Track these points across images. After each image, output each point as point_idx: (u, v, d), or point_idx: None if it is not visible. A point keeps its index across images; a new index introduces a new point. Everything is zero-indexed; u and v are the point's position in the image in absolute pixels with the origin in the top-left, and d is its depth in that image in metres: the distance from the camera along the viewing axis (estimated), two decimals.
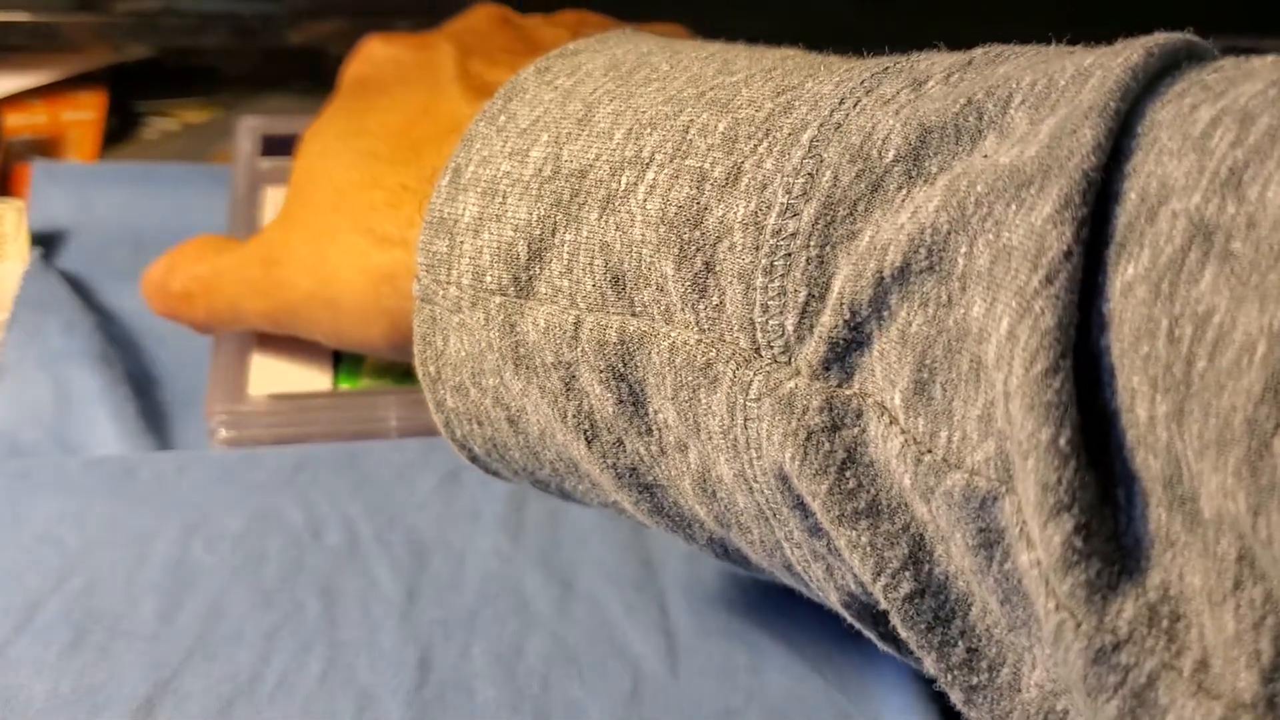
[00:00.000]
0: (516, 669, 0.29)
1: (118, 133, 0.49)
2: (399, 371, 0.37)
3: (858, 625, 0.23)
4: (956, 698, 0.21)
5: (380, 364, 0.37)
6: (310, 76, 0.51)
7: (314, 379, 0.36)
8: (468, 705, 0.28)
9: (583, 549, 0.33)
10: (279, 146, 0.43)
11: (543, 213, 0.25)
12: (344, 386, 0.37)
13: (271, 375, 0.36)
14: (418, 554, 0.32)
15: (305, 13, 0.49)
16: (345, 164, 0.30)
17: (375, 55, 0.35)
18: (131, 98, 0.51)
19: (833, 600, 0.23)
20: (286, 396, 0.36)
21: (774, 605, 0.31)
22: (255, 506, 0.33)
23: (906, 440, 0.19)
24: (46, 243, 0.41)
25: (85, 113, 0.49)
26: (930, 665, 0.21)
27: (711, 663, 0.30)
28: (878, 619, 0.22)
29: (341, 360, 0.37)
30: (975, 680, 0.20)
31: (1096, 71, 0.18)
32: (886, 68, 0.22)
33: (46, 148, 0.47)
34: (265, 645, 0.29)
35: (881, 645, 0.23)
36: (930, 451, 0.19)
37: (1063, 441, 0.16)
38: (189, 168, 0.46)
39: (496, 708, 0.28)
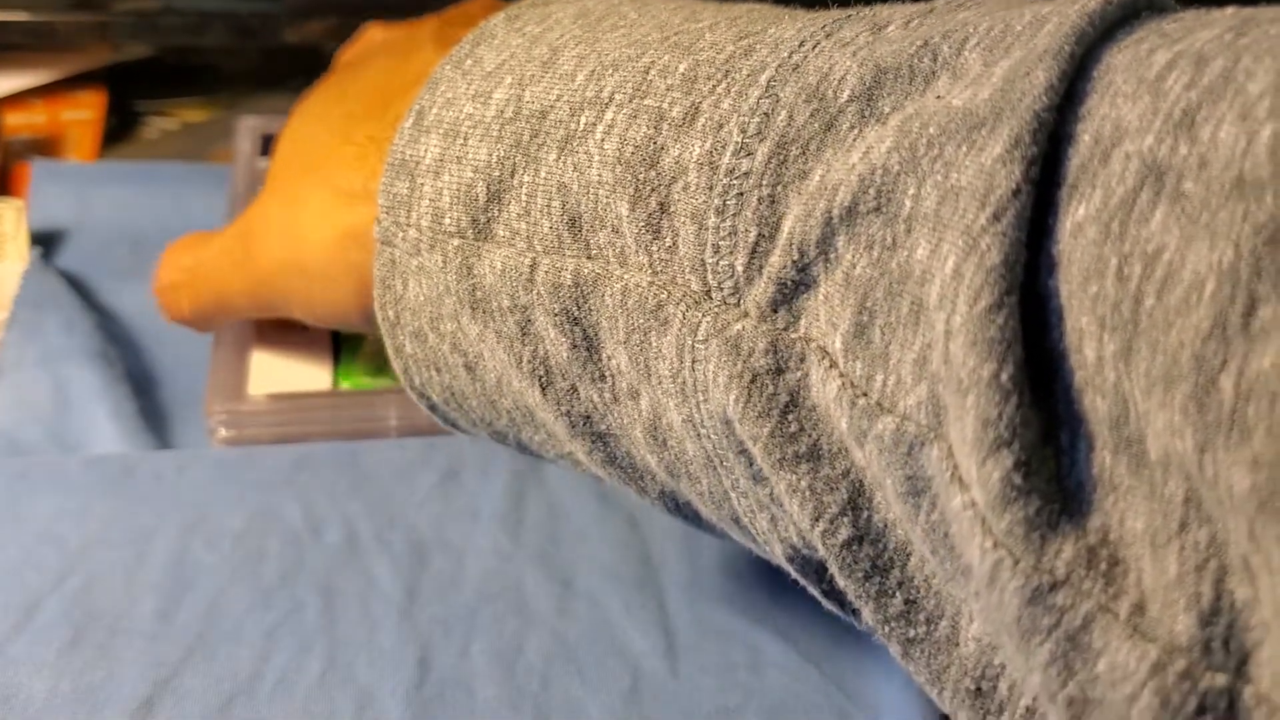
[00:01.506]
0: (516, 667, 0.29)
1: (117, 132, 0.49)
2: None
3: (801, 580, 0.23)
4: (894, 650, 0.21)
5: (379, 362, 0.37)
6: (309, 75, 0.50)
7: (314, 378, 0.36)
8: (467, 703, 0.28)
9: (582, 547, 0.33)
10: None
11: (502, 154, 0.24)
12: (344, 386, 0.37)
13: (271, 374, 0.36)
14: (417, 553, 0.32)
15: (304, 11, 0.49)
16: (321, 130, 0.30)
17: (371, 39, 0.35)
18: (131, 97, 0.51)
19: (777, 554, 0.23)
20: (286, 396, 0.36)
21: (773, 603, 0.31)
22: (255, 505, 0.33)
23: (844, 383, 0.19)
24: (46, 242, 0.41)
25: (85, 112, 0.49)
26: (868, 616, 0.21)
27: (711, 660, 0.30)
28: (820, 572, 0.22)
29: (341, 359, 0.37)
30: (912, 633, 0.20)
31: (1053, 18, 0.19)
32: (849, 15, 0.22)
33: (46, 147, 0.47)
34: (265, 644, 0.29)
35: (825, 603, 0.23)
36: (865, 395, 0.19)
37: (1004, 377, 0.16)
38: (188, 167, 0.46)
39: (496, 706, 0.28)
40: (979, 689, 0.19)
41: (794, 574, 0.23)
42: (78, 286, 0.39)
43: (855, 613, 0.22)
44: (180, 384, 0.37)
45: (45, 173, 0.44)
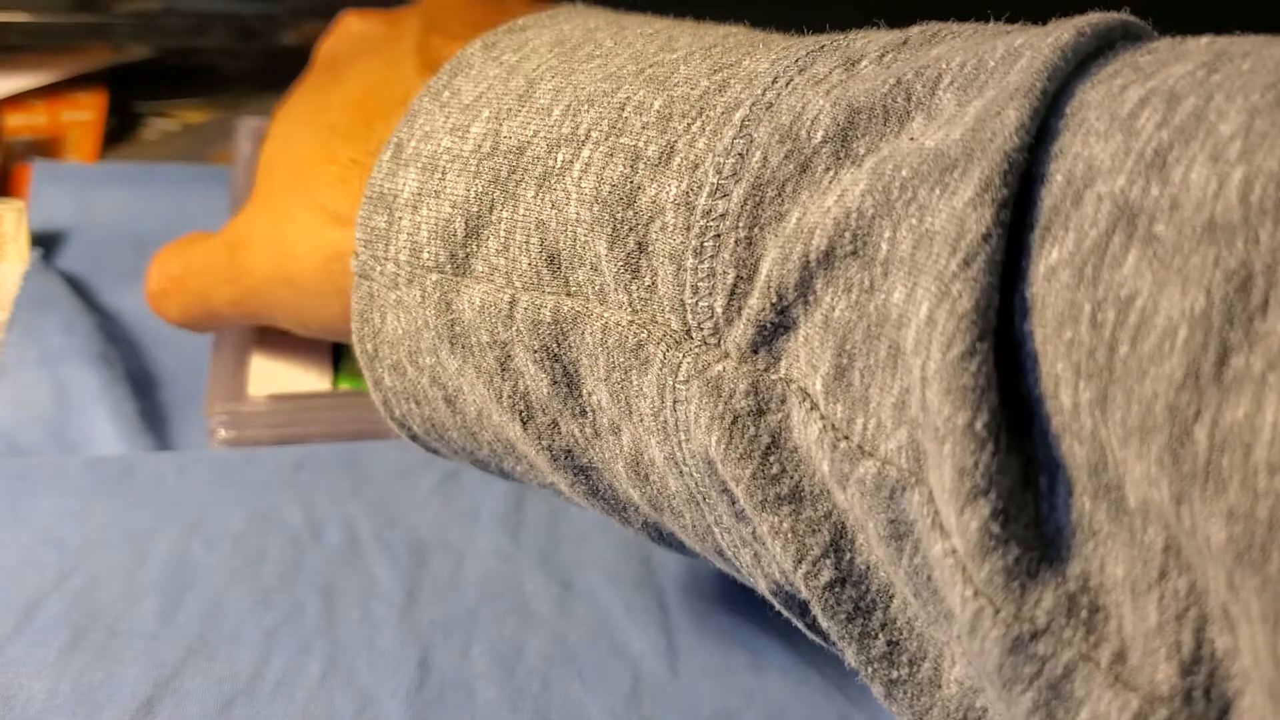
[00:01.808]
0: (516, 668, 0.29)
1: (118, 133, 0.49)
2: None
3: (785, 614, 0.23)
4: (877, 691, 0.21)
5: None
6: None
7: (314, 379, 0.36)
8: (468, 705, 0.28)
9: (582, 548, 0.33)
10: None
11: (480, 189, 0.24)
12: (344, 387, 0.37)
13: (271, 375, 0.36)
14: (417, 553, 0.32)
15: (305, 13, 0.49)
16: (306, 140, 0.30)
17: (349, 30, 0.35)
18: (131, 98, 0.50)
19: (761, 587, 0.23)
20: (286, 397, 0.36)
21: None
22: (255, 506, 0.33)
23: (825, 426, 0.19)
24: (46, 243, 0.41)
25: (85, 113, 0.49)
26: (851, 657, 0.21)
27: (711, 662, 0.30)
28: (804, 609, 0.22)
29: (341, 360, 0.37)
30: (895, 674, 0.20)
31: (1026, 52, 0.18)
32: (823, 45, 0.22)
33: (46, 148, 0.47)
34: (265, 645, 0.29)
35: (810, 635, 0.23)
36: (847, 438, 0.19)
37: (979, 425, 0.16)
38: (189, 168, 0.46)
39: (497, 707, 0.28)
40: None
41: (779, 607, 0.23)
42: (78, 287, 0.39)
43: (840, 650, 0.21)
44: (180, 385, 0.37)
45: (46, 174, 0.44)
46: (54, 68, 0.49)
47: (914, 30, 0.21)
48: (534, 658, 0.30)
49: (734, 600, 0.32)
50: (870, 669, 0.21)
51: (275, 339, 0.37)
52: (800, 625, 0.23)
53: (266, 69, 0.52)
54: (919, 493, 0.18)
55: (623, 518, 0.26)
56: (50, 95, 0.49)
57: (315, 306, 0.29)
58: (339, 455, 0.35)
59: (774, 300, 0.20)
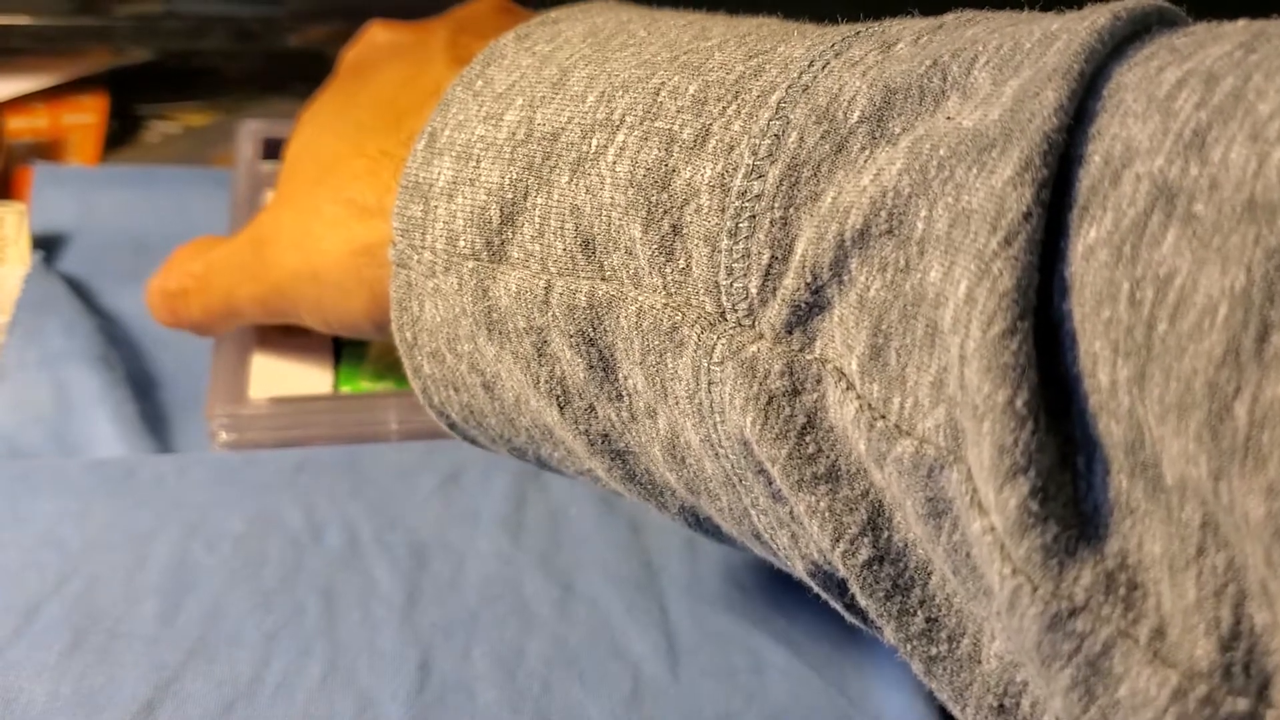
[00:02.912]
0: (517, 671, 0.29)
1: (119, 136, 0.49)
2: (400, 374, 0.37)
3: (823, 595, 0.23)
4: (916, 668, 0.21)
5: (381, 366, 0.37)
6: (311, 79, 0.50)
7: (315, 382, 0.36)
8: (468, 707, 0.28)
9: (583, 550, 0.33)
10: (280, 149, 0.43)
11: (515, 176, 0.25)
12: (345, 389, 0.37)
13: (272, 378, 0.36)
14: (418, 555, 0.32)
15: (306, 15, 0.49)
16: (333, 138, 0.30)
17: (375, 40, 0.35)
18: (133, 101, 0.51)
19: (799, 569, 0.23)
20: (287, 399, 0.36)
21: (775, 606, 0.31)
22: (255, 508, 0.33)
23: (861, 406, 0.19)
24: (48, 246, 0.41)
25: (86, 116, 0.49)
26: (890, 635, 0.21)
27: (712, 664, 0.30)
28: (842, 588, 0.22)
29: (342, 363, 0.37)
30: (934, 651, 0.20)
31: (1062, 35, 0.18)
32: (858, 32, 0.22)
33: (48, 151, 0.47)
34: (265, 647, 0.29)
35: (848, 616, 0.23)
36: (883, 417, 0.19)
37: (1019, 403, 0.16)
38: (190, 171, 0.46)
39: (497, 710, 0.28)
40: (1002, 705, 0.19)
41: (816, 589, 0.23)
42: (79, 290, 0.39)
43: (879, 629, 0.22)
44: (181, 387, 0.37)
45: (47, 176, 0.44)
46: (55, 70, 0.49)
47: (949, 16, 0.22)
48: (534, 660, 0.30)
49: (734, 602, 0.32)
50: (909, 646, 0.21)
51: (276, 342, 0.37)
52: (838, 606, 0.23)
53: (267, 71, 0.52)
54: (957, 471, 0.18)
55: (659, 502, 0.26)
56: (51, 98, 0.49)
57: (337, 301, 0.30)
58: (339, 457, 0.35)
59: (809, 280, 0.20)
